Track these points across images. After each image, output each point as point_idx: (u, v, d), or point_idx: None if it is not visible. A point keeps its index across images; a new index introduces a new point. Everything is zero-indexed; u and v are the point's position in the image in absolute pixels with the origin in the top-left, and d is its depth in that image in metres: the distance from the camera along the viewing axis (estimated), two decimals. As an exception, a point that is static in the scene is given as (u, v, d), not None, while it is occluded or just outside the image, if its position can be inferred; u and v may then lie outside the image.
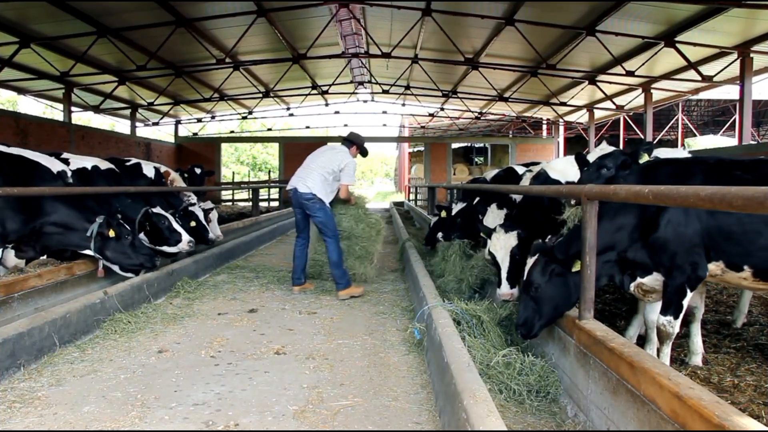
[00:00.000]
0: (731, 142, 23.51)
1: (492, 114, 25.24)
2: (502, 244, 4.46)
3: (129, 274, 5.56)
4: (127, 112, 22.27)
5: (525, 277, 3.62)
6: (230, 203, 24.64)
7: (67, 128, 17.29)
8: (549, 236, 5.08)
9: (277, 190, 23.93)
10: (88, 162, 6.41)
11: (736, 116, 15.07)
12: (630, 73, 14.29)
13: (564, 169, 5.17)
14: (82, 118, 23.70)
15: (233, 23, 13.43)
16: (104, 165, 6.69)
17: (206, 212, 7.81)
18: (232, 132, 30.10)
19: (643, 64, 13.81)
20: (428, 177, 26.90)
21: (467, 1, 12.40)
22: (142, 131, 25.05)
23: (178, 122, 26.03)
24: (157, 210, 6.21)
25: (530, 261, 3.62)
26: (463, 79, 19.40)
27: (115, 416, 2.98)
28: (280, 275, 7.19)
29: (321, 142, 27.32)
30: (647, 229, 3.41)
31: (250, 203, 16.23)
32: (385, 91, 21.58)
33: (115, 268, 5.60)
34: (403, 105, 26.52)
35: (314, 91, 21.76)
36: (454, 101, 23.28)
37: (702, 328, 3.86)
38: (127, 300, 5.03)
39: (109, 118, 27.12)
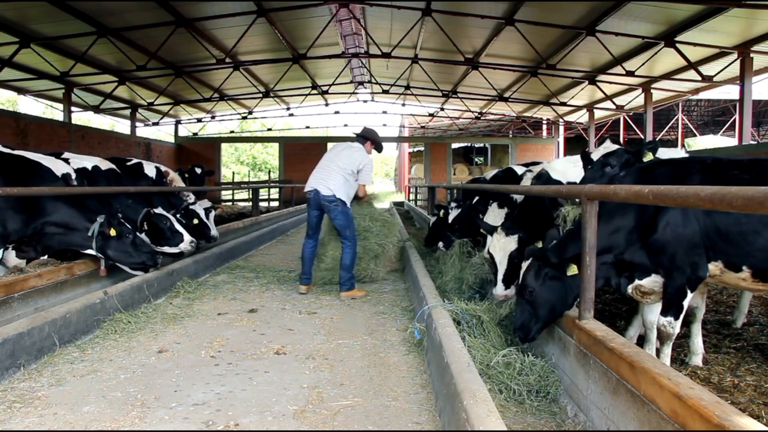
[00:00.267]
0: (731, 142, 23.53)
1: (492, 114, 25.24)
2: (501, 246, 4.46)
3: (137, 272, 5.58)
4: (127, 112, 22.27)
5: (520, 281, 3.63)
6: (230, 203, 24.64)
7: (67, 128, 17.30)
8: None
9: (277, 190, 23.95)
10: (88, 162, 6.42)
11: (736, 116, 15.07)
12: (630, 73, 14.29)
13: (565, 169, 5.16)
14: (82, 118, 23.71)
15: (233, 23, 13.44)
16: (105, 165, 6.69)
17: (205, 211, 7.82)
18: (232, 132, 30.11)
19: (643, 64, 13.82)
20: (428, 177, 26.90)
21: (467, 1, 12.40)
22: (142, 131, 25.07)
23: (178, 122, 26.04)
24: (159, 210, 6.21)
25: (524, 265, 3.63)
26: (463, 79, 19.40)
27: (115, 416, 2.98)
28: (280, 275, 7.19)
29: (321, 142, 27.50)
30: (646, 231, 3.41)
31: (250, 203, 16.23)
32: (385, 91, 21.58)
33: (125, 267, 5.62)
34: (403, 105, 26.53)
35: (314, 91, 21.76)
36: (454, 101, 23.28)
37: (702, 328, 3.86)
38: (127, 300, 5.03)
39: (109, 118, 27.11)
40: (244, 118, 28.17)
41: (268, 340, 4.44)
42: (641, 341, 3.94)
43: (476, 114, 24.61)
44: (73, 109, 18.13)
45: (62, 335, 4.03)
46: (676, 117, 24.71)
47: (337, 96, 24.26)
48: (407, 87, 21.77)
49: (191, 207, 7.57)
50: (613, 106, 19.27)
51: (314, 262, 6.39)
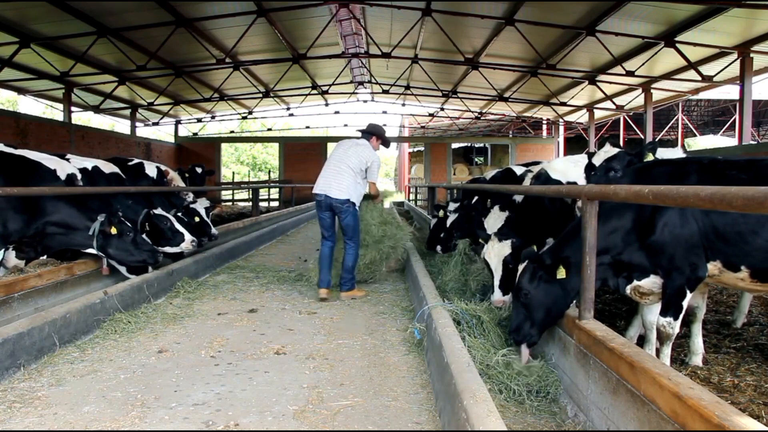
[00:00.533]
0: (731, 142, 23.51)
1: (492, 114, 25.24)
2: (495, 252, 4.46)
3: (131, 275, 5.59)
4: (127, 112, 22.27)
5: (515, 284, 3.63)
6: (230, 203, 24.65)
7: (67, 128, 17.30)
8: (549, 238, 5.08)
9: (277, 190, 23.95)
10: (88, 162, 6.42)
11: (736, 116, 15.07)
12: (630, 73, 14.29)
13: (565, 169, 5.16)
14: (82, 118, 23.71)
15: (233, 23, 13.44)
16: (109, 168, 6.69)
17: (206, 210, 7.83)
18: (232, 132, 30.11)
19: (643, 64, 13.81)
20: (428, 177, 26.90)
21: (467, 1, 12.41)
22: (142, 131, 25.07)
23: (178, 122, 26.04)
24: (159, 211, 6.22)
25: (520, 268, 3.63)
26: (463, 79, 19.40)
27: (115, 416, 2.98)
28: (280, 275, 7.19)
29: (321, 142, 27.51)
30: (644, 231, 3.41)
31: (250, 203, 16.24)
32: (385, 91, 21.58)
33: (122, 269, 5.65)
34: (403, 105, 26.53)
35: (314, 91, 21.76)
36: (454, 101, 23.28)
37: (702, 328, 3.86)
38: (127, 300, 5.03)
39: (109, 118, 27.12)
40: (244, 118, 28.18)
41: (268, 340, 4.44)
42: (641, 341, 3.95)
43: (476, 114, 24.61)
44: (73, 109, 18.13)
45: (62, 335, 4.03)
46: (676, 117, 24.70)
47: (337, 96, 24.26)
48: (407, 87, 21.76)
49: (192, 206, 7.59)
50: (613, 106, 19.27)
51: (332, 264, 6.10)
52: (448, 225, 7.23)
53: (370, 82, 22.81)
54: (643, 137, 17.99)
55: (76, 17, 11.92)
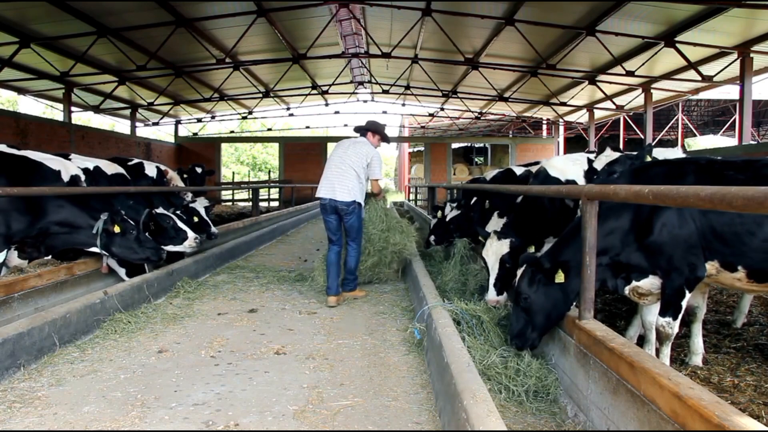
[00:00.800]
0: (731, 142, 23.51)
1: (492, 114, 25.25)
2: (493, 250, 4.46)
3: (126, 278, 5.64)
4: (127, 112, 22.28)
5: (515, 289, 3.62)
6: (230, 203, 24.65)
7: (67, 128, 17.30)
8: (549, 237, 5.08)
9: (277, 190, 23.95)
10: (90, 163, 6.42)
11: (736, 116, 15.07)
12: (630, 73, 14.29)
13: (563, 166, 5.19)
14: (82, 118, 23.72)
15: (233, 23, 13.44)
16: (113, 169, 6.70)
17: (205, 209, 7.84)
18: (232, 132, 30.12)
19: (643, 64, 13.82)
20: (428, 177, 26.91)
21: (467, 1, 12.41)
22: (142, 131, 25.08)
23: (178, 122, 26.05)
24: (161, 210, 6.22)
25: (519, 272, 3.62)
26: (463, 79, 19.41)
27: (115, 416, 2.98)
28: (280, 275, 7.19)
29: (321, 142, 27.51)
30: (642, 232, 3.41)
31: (250, 203, 16.24)
32: (385, 91, 21.59)
33: (122, 272, 5.68)
34: (403, 105, 26.54)
35: (314, 91, 21.77)
36: (454, 101, 23.29)
37: (702, 328, 3.86)
38: (127, 300, 5.03)
39: (109, 118, 27.13)
40: (244, 118, 28.18)
41: (268, 340, 4.44)
42: (641, 341, 3.95)
43: (476, 114, 24.62)
44: (73, 109, 18.13)
45: (62, 335, 4.03)
46: (676, 117, 24.70)
47: (337, 96, 24.27)
48: (407, 87, 21.77)
49: (191, 205, 7.59)
50: (613, 106, 19.27)
51: (340, 269, 5.90)
52: (447, 220, 7.25)
53: (370, 82, 22.82)
54: (643, 137, 17.99)
55: (76, 17, 11.92)
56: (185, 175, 10.28)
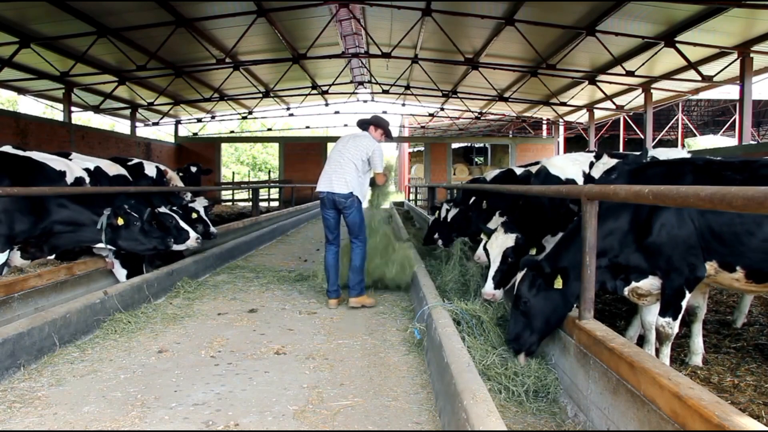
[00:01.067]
0: (731, 142, 23.50)
1: (492, 114, 25.26)
2: (498, 243, 4.47)
3: (123, 279, 5.68)
4: (127, 112, 22.29)
5: (515, 293, 3.62)
6: (230, 203, 24.65)
7: (67, 128, 17.31)
8: (549, 236, 5.09)
9: (277, 190, 23.95)
10: (90, 163, 6.42)
11: (736, 116, 15.07)
12: (630, 73, 14.30)
13: (563, 165, 5.25)
14: (82, 118, 23.72)
15: (233, 23, 13.44)
16: (115, 170, 6.70)
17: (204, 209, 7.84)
18: (232, 132, 30.12)
19: (643, 64, 13.82)
20: (428, 177, 26.91)
21: (467, 1, 12.41)
22: (142, 131, 25.09)
23: (178, 122, 26.05)
24: (163, 210, 6.22)
25: (519, 275, 3.62)
26: (463, 79, 19.41)
27: (115, 416, 2.98)
28: (280, 275, 7.19)
29: (321, 142, 27.51)
30: (641, 233, 3.41)
31: (250, 203, 16.24)
32: (385, 91, 21.60)
33: (122, 274, 5.71)
34: (403, 105, 26.55)
35: (314, 91, 21.78)
36: (454, 101, 23.30)
37: (702, 328, 3.86)
38: (127, 300, 5.03)
39: (109, 118, 27.15)
40: (244, 118, 28.20)
41: (268, 340, 4.44)
42: (641, 341, 3.95)
43: (476, 114, 24.62)
44: (73, 109, 18.14)
45: (62, 335, 4.03)
46: (676, 117, 24.71)
47: (337, 96, 24.28)
48: (407, 87, 21.78)
49: (190, 205, 7.58)
50: (613, 106, 19.28)
51: (339, 270, 5.74)
52: (449, 219, 7.24)
53: (370, 82, 22.82)
54: (643, 137, 18.00)
55: (76, 17, 11.93)
56: (180, 174, 10.24)
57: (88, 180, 5.67)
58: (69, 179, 5.32)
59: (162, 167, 8.49)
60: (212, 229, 7.69)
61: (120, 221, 5.26)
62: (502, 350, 3.66)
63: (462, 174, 29.29)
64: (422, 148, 30.98)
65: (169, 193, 8.19)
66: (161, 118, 24.11)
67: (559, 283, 3.40)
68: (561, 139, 26.69)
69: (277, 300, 5.91)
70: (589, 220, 3.13)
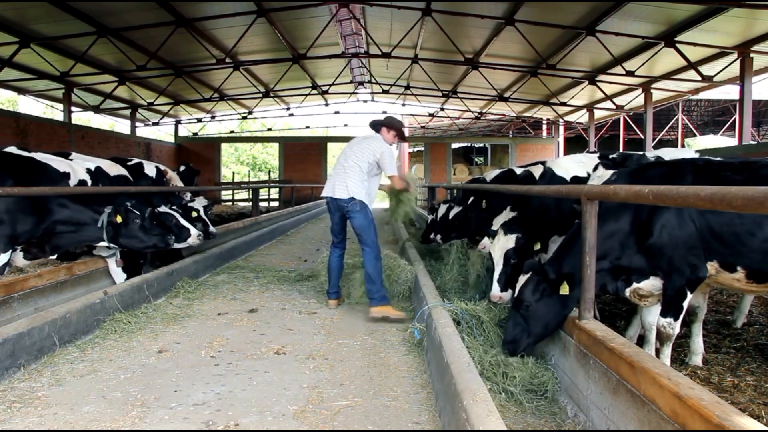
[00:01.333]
0: (731, 142, 23.51)
1: (492, 114, 25.26)
2: (499, 246, 4.47)
3: (120, 279, 5.69)
4: (127, 112, 22.29)
5: (516, 295, 3.62)
6: (230, 203, 24.65)
7: (67, 128, 17.30)
8: (555, 236, 5.09)
9: (277, 190, 23.96)
10: (91, 163, 6.42)
11: (736, 116, 15.07)
12: (630, 73, 14.30)
13: (568, 166, 5.31)
14: (82, 118, 23.72)
15: (233, 23, 13.44)
16: (116, 171, 6.71)
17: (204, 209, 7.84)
18: (232, 132, 30.12)
19: (643, 64, 13.82)
20: (428, 177, 26.91)
21: (467, 1, 12.41)
22: (142, 131, 25.09)
23: (178, 122, 26.05)
24: (163, 209, 6.23)
25: (522, 279, 3.62)
26: (463, 79, 19.41)
27: (115, 416, 2.98)
28: (280, 275, 7.19)
29: (321, 142, 27.52)
30: (642, 234, 3.41)
31: (250, 203, 16.23)
32: (385, 91, 21.59)
33: (121, 277, 5.71)
34: (403, 105, 26.54)
35: (314, 91, 21.78)
36: (454, 101, 23.29)
37: (702, 328, 3.86)
38: (127, 300, 5.03)
39: (109, 118, 27.14)
40: (244, 118, 28.20)
41: (268, 340, 4.44)
42: (641, 341, 3.95)
43: (476, 114, 24.62)
44: (73, 109, 18.14)
45: (62, 335, 4.03)
46: (676, 117, 24.70)
47: (337, 96, 24.27)
48: (407, 87, 21.78)
49: (190, 204, 7.58)
50: (613, 106, 19.27)
51: (342, 273, 5.70)
52: (451, 216, 7.20)
53: (370, 82, 22.82)
54: (643, 137, 18.00)
55: (76, 17, 11.92)
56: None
57: (90, 182, 5.68)
58: (73, 181, 5.33)
59: (162, 167, 8.49)
60: (212, 228, 7.70)
61: (119, 219, 5.26)
62: (494, 349, 3.66)
63: (462, 174, 29.27)
64: (422, 148, 30.97)
65: (168, 193, 8.19)
66: (161, 118, 24.11)
67: (565, 289, 3.40)
68: (561, 139, 26.69)
69: (277, 300, 5.91)
70: (590, 220, 3.13)
